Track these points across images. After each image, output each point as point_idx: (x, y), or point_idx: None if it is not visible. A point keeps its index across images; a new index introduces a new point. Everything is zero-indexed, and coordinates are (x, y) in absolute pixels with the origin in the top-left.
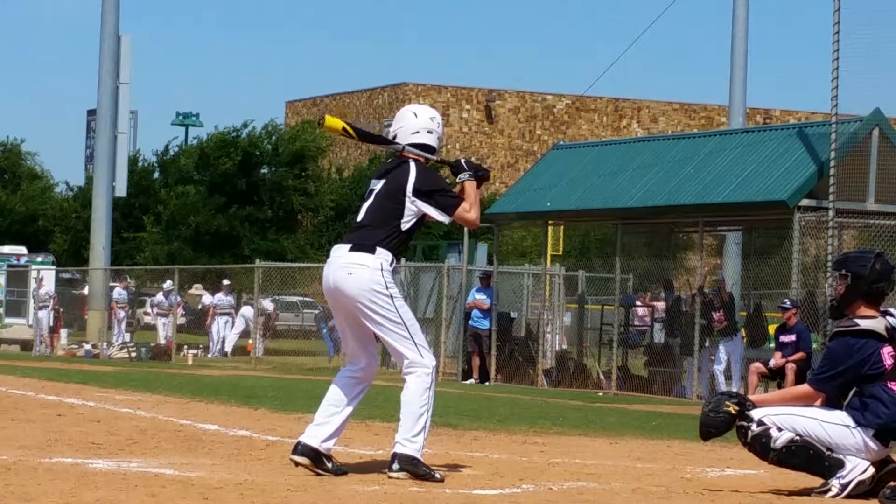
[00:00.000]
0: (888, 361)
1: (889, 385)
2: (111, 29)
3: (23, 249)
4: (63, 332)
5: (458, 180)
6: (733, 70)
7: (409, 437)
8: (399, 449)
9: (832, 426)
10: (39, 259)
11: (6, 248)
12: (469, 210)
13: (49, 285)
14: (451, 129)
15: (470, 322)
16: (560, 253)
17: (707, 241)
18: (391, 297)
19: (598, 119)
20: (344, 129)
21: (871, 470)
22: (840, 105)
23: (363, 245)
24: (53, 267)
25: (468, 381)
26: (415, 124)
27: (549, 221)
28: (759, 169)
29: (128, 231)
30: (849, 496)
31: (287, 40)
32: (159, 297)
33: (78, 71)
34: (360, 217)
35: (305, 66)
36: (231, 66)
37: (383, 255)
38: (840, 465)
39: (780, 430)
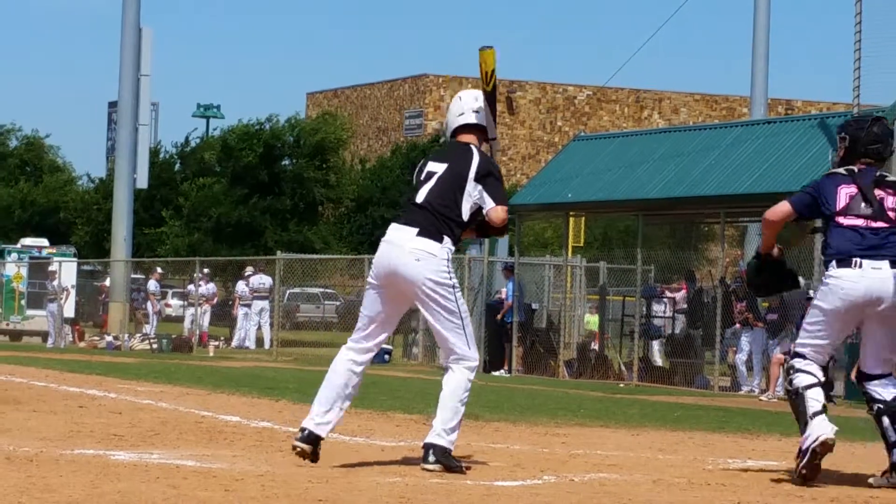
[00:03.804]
0: (842, 200)
1: (837, 219)
2: (132, 21)
3: (45, 241)
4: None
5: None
6: (755, 61)
7: (447, 429)
8: (436, 440)
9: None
10: (58, 251)
11: (28, 241)
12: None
13: (65, 278)
14: None
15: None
16: (581, 244)
17: (728, 233)
18: (453, 287)
19: (619, 110)
20: (489, 74)
21: (824, 437)
22: (862, 95)
23: (430, 231)
24: (75, 259)
25: (497, 373)
26: (458, 107)
27: (571, 213)
28: (780, 160)
29: (148, 224)
30: (808, 469)
31: (308, 32)
32: (190, 287)
33: (99, 63)
34: (421, 198)
35: (326, 57)
36: (252, 57)
37: (448, 245)
38: (806, 429)
39: (795, 373)
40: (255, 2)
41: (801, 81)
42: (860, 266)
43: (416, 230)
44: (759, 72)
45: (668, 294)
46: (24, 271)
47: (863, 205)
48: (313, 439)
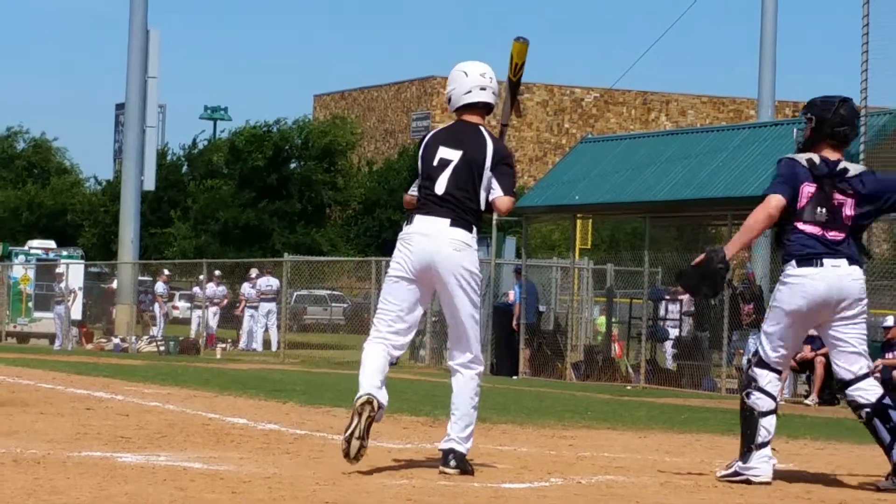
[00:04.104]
0: (803, 199)
1: (796, 223)
2: (140, 23)
3: (52, 244)
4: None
5: None
6: (762, 63)
7: (465, 436)
8: (456, 447)
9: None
10: (65, 253)
11: (36, 243)
12: (512, 202)
13: (72, 280)
14: None
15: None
16: (588, 246)
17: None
18: (480, 280)
19: (626, 112)
20: (519, 67)
21: (764, 480)
22: (869, 97)
23: (460, 222)
24: (82, 261)
25: (515, 378)
26: (466, 83)
27: (578, 215)
28: None
29: (156, 225)
30: (727, 481)
31: (315, 34)
32: (195, 289)
33: (106, 65)
34: (441, 190)
35: (334, 59)
36: (259, 59)
37: (475, 236)
38: (747, 458)
39: (755, 390)
40: (262, 4)
41: (808, 83)
42: (821, 264)
43: (448, 220)
44: (767, 73)
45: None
46: (31, 273)
47: (820, 210)
48: (379, 404)
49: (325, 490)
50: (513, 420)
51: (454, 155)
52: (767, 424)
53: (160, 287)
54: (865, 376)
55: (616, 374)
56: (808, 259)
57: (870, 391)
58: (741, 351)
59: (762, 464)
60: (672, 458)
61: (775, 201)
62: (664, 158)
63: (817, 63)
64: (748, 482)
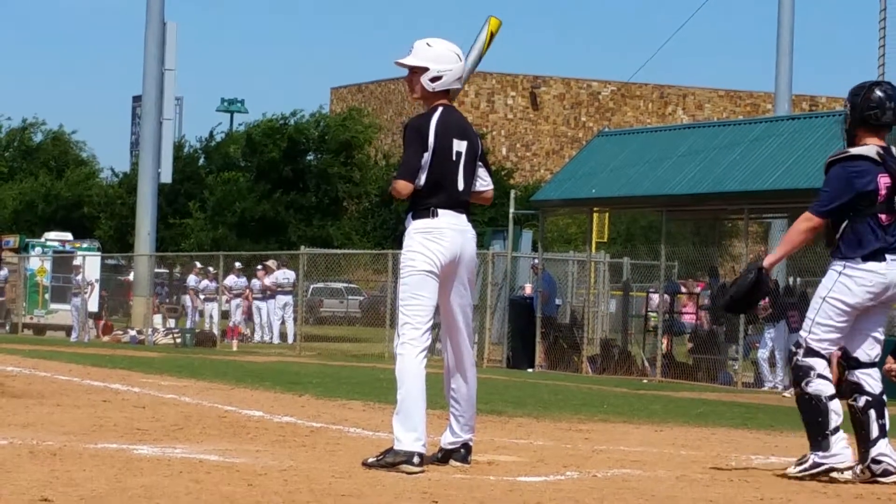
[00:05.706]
0: (882, 191)
1: (879, 216)
2: (157, 15)
3: (68, 236)
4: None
5: None
6: (779, 57)
7: (473, 425)
8: (469, 441)
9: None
10: (85, 245)
11: (52, 235)
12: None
13: (89, 272)
14: (497, 116)
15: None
16: (605, 240)
17: (752, 229)
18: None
19: (643, 106)
20: (492, 36)
21: (849, 463)
22: None
23: (468, 215)
24: (98, 253)
25: (531, 371)
26: (459, 69)
27: (594, 208)
28: (804, 156)
29: (173, 217)
30: (813, 478)
31: (332, 26)
32: (205, 282)
33: (123, 57)
34: (463, 184)
35: (350, 52)
36: (276, 52)
37: None
38: (827, 446)
39: (815, 378)
40: None
41: (825, 77)
42: (884, 259)
43: (465, 216)
44: (784, 67)
45: (686, 290)
46: (48, 265)
47: (892, 200)
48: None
49: (341, 483)
50: (529, 413)
51: (462, 146)
52: (836, 408)
53: (192, 280)
54: (875, 364)
55: (632, 367)
56: (875, 254)
57: (877, 381)
58: (757, 344)
59: (843, 449)
60: (688, 451)
61: (815, 225)
62: (681, 152)
63: (835, 57)
64: (831, 471)
